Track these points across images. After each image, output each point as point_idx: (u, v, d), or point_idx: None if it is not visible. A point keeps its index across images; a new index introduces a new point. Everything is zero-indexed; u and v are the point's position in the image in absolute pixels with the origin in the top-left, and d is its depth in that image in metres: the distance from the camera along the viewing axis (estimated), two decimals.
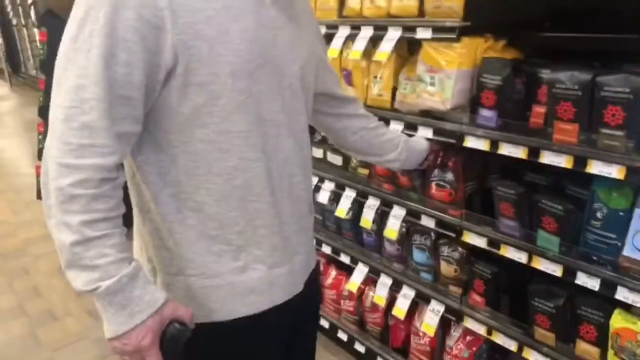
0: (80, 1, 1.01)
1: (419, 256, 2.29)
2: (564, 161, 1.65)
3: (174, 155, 1.13)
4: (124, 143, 1.05)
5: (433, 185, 2.14)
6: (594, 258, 1.67)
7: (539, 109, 1.73)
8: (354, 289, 2.58)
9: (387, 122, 2.23)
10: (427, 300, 2.25)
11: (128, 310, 1.02)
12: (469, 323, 2.09)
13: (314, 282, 1.42)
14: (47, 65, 3.83)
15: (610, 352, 1.65)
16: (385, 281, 2.43)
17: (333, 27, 2.37)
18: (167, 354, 1.06)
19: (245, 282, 1.21)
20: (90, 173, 0.99)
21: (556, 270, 1.75)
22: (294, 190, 1.29)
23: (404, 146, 1.79)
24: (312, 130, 1.45)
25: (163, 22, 1.01)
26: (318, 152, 2.72)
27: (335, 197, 2.59)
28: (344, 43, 2.33)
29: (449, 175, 2.09)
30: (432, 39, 1.94)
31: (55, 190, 0.98)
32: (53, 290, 3.59)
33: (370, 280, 2.57)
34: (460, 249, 2.11)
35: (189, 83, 1.07)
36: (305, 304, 1.39)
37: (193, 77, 1.06)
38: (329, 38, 2.39)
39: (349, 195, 2.51)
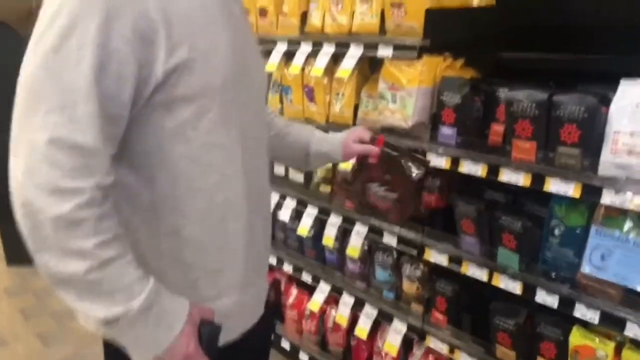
0: (59, 8, 0.90)
1: (381, 274, 2.27)
2: (522, 179, 1.67)
3: (149, 176, 1.04)
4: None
5: None
6: (553, 275, 1.68)
7: (498, 127, 1.75)
8: (316, 309, 2.53)
9: None
10: (390, 319, 2.22)
11: (165, 323, 0.97)
12: (431, 342, 2.07)
13: (267, 303, 1.37)
14: None
15: None
16: (347, 300, 2.40)
17: (295, 43, 2.36)
18: (209, 355, 1.03)
19: (220, 309, 1.13)
20: (93, 193, 0.90)
21: (516, 287, 1.75)
22: (264, 207, 1.26)
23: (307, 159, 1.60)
24: None
25: (156, 34, 0.95)
26: (280, 170, 2.69)
27: (297, 215, 2.55)
28: (306, 60, 2.32)
29: None
30: (393, 57, 1.95)
31: (53, 219, 0.87)
32: (1, 313, 3.42)
33: (332, 300, 2.53)
34: (422, 266, 2.10)
35: (176, 97, 1.00)
36: (264, 326, 1.34)
37: (183, 90, 1.00)
38: (291, 55, 2.38)
39: (310, 213, 2.48)
